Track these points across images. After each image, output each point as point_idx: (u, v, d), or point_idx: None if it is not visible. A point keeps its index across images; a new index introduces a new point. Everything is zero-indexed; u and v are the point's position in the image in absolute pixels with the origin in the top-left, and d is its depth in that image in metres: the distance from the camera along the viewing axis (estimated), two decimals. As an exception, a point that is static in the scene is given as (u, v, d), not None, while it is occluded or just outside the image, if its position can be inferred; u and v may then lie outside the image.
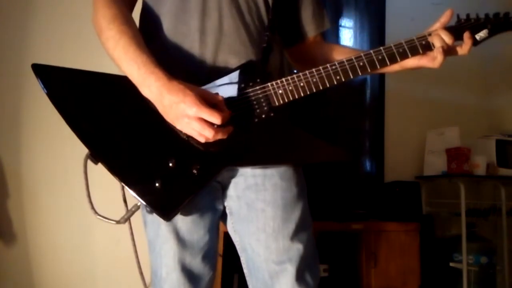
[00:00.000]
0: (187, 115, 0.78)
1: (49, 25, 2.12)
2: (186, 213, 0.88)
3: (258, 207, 0.91)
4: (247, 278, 0.97)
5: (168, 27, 0.92)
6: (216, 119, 0.78)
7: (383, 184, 2.72)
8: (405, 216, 2.40)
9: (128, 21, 0.88)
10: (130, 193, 0.83)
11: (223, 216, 0.98)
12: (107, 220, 0.88)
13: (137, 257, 0.96)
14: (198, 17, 0.90)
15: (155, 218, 0.88)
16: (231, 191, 0.94)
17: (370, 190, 2.72)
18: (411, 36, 0.90)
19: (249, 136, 0.86)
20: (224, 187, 0.95)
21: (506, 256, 2.68)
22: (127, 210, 0.90)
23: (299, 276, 0.89)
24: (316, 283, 0.93)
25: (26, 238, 2.02)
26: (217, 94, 0.84)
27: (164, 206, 0.82)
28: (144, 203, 0.83)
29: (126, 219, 0.88)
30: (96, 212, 0.87)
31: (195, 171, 0.83)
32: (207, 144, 0.82)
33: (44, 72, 0.85)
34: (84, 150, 0.84)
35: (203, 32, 0.89)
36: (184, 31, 0.90)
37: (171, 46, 0.91)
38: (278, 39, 0.99)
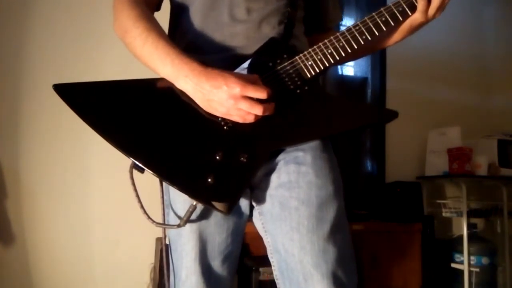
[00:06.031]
0: (233, 96, 0.77)
1: (47, 24, 2.11)
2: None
3: (292, 205, 0.86)
4: (278, 281, 0.90)
5: (198, 23, 0.92)
6: (261, 93, 0.78)
7: (384, 185, 2.71)
8: (406, 216, 2.39)
9: (153, 20, 0.88)
10: (182, 194, 0.80)
11: (249, 218, 0.95)
12: (167, 226, 0.87)
13: (166, 261, 0.92)
14: (227, 9, 0.90)
15: (177, 217, 0.87)
16: (263, 190, 0.91)
17: (371, 191, 2.71)
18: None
19: (288, 114, 0.85)
20: (254, 187, 0.92)
21: (507, 256, 2.67)
22: (163, 212, 0.88)
23: (336, 280, 0.84)
24: (353, 287, 0.88)
25: (24, 238, 2.01)
26: (251, 73, 0.83)
27: (222, 200, 0.80)
28: (200, 202, 0.81)
29: (186, 221, 0.84)
30: (154, 221, 0.84)
31: (243, 159, 0.82)
32: (252, 127, 0.82)
33: (68, 92, 0.81)
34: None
35: (233, 21, 0.90)
36: (214, 24, 0.91)
37: (201, 39, 0.91)
38: (301, 15, 0.98)
